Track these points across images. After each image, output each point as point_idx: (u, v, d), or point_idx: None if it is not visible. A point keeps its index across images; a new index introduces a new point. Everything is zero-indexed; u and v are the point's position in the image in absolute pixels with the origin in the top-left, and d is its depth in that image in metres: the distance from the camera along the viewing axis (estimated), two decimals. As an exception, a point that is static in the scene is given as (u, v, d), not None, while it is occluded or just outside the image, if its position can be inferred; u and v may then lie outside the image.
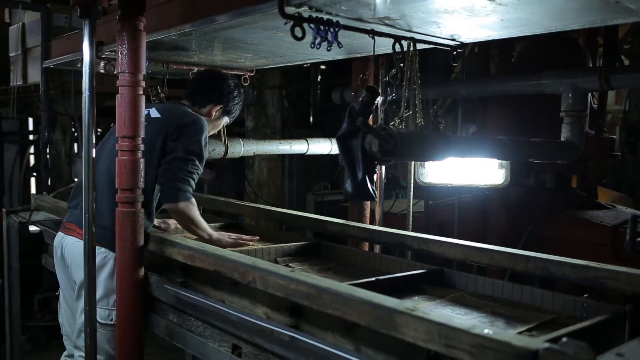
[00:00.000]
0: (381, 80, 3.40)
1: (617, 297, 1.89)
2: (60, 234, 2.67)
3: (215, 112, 2.75)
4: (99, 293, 2.46)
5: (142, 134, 2.22)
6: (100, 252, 2.44)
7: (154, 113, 2.61)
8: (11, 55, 6.03)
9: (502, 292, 2.11)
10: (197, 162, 2.51)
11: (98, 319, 2.44)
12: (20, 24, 5.79)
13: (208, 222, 3.21)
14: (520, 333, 1.68)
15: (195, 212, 2.55)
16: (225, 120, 2.87)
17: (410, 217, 3.50)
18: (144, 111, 2.23)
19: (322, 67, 7.56)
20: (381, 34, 2.17)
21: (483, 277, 2.21)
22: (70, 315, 2.72)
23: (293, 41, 1.85)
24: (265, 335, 1.90)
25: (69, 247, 2.59)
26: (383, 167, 3.63)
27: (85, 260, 2.21)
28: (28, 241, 5.00)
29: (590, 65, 4.06)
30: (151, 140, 2.42)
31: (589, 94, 3.22)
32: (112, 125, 2.81)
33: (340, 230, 2.81)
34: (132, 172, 2.20)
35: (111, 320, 2.46)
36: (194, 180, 2.51)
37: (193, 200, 2.52)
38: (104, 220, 2.44)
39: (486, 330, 1.27)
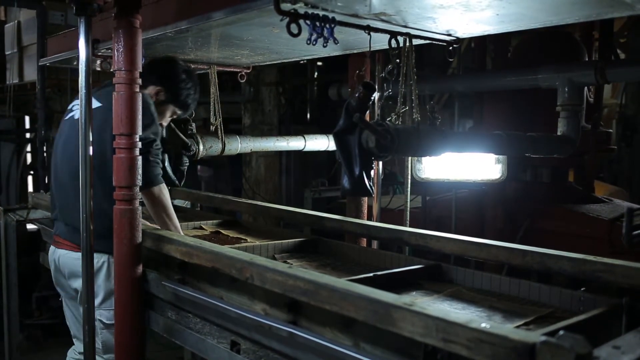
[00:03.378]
0: (377, 76, 3.40)
1: (614, 291, 1.90)
2: (52, 248, 2.69)
3: (156, 94, 2.67)
4: (100, 296, 2.49)
5: (139, 131, 2.22)
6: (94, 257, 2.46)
7: (94, 103, 2.50)
8: (7, 53, 6.01)
9: (499, 287, 2.11)
10: (157, 142, 2.46)
11: (104, 320, 2.48)
12: (16, 21, 5.77)
13: (205, 219, 3.22)
14: (517, 327, 1.68)
15: (169, 200, 2.54)
16: (173, 109, 2.76)
17: (408, 213, 3.50)
18: (140, 108, 2.23)
19: (319, 63, 7.56)
20: (377, 30, 2.17)
21: (480, 271, 2.21)
22: (76, 321, 2.76)
23: (289, 38, 1.85)
24: (264, 331, 1.91)
25: (62, 259, 2.61)
26: (380, 163, 3.63)
27: (84, 261, 2.21)
28: (25, 239, 4.98)
29: (586, 59, 4.06)
30: (99, 133, 2.37)
31: (585, 88, 3.22)
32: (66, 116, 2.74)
33: (338, 226, 2.82)
34: (130, 169, 2.20)
35: (109, 320, 2.47)
36: (159, 162, 2.48)
37: (164, 185, 2.51)
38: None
39: (483, 324, 1.28)
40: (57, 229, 2.66)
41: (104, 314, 2.51)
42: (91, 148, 2.17)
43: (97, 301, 2.49)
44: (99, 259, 2.47)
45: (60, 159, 2.63)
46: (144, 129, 2.34)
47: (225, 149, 3.47)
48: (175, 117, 2.88)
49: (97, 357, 2.53)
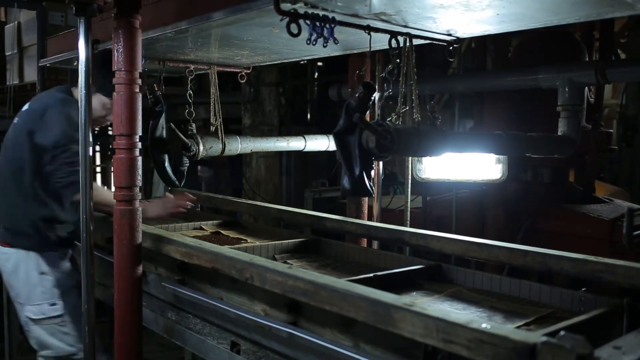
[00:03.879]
0: (378, 76, 3.39)
1: (615, 291, 1.90)
2: None
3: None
4: (24, 294, 2.51)
5: (139, 131, 2.22)
6: (11, 253, 2.55)
7: (25, 106, 2.69)
8: (7, 54, 6.00)
9: (500, 287, 2.11)
10: (72, 147, 2.42)
11: (32, 316, 2.49)
12: (16, 22, 5.77)
13: (205, 219, 3.22)
14: (518, 327, 1.68)
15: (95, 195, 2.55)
16: (101, 99, 2.68)
17: (408, 213, 3.50)
18: (140, 108, 2.23)
19: (319, 63, 7.56)
20: (377, 30, 2.16)
21: (481, 272, 2.21)
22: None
23: (289, 38, 1.85)
24: (264, 332, 1.91)
25: None
26: (380, 163, 3.63)
27: (84, 262, 2.21)
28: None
29: (587, 59, 4.06)
30: (17, 135, 2.52)
31: (586, 88, 3.21)
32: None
33: (338, 226, 2.82)
34: (130, 170, 2.19)
35: (43, 314, 2.48)
36: (73, 168, 2.41)
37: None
38: (5, 222, 2.57)
39: (484, 325, 1.28)
40: None
41: (30, 310, 2.53)
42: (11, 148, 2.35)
43: (20, 298, 2.53)
44: (18, 255, 2.53)
45: None
46: (55, 143, 2.42)
47: (225, 150, 3.46)
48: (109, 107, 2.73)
49: (38, 357, 2.56)
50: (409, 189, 3.51)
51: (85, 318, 2.25)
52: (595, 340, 1.21)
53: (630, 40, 6.89)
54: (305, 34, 1.87)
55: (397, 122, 2.30)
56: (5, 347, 4.04)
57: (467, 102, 5.26)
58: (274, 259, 2.50)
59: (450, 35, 2.37)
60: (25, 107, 2.70)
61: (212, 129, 3.42)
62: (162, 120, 3.06)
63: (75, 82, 2.65)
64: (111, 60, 2.64)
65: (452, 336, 1.32)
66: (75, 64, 3.31)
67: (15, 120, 2.71)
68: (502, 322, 1.78)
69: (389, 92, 2.35)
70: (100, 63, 2.54)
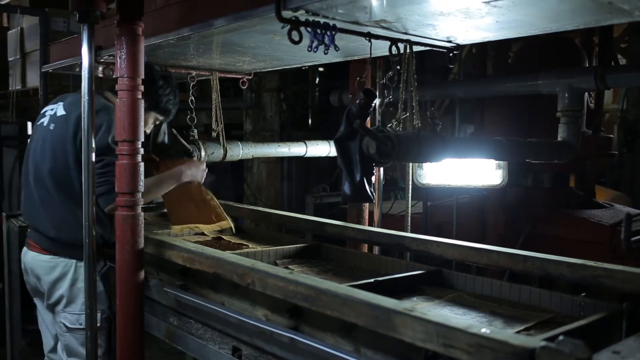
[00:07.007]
0: (378, 82, 3.42)
1: (615, 296, 1.91)
2: (24, 249, 2.75)
3: None
4: (64, 300, 2.53)
5: (141, 137, 2.23)
6: (58, 262, 2.53)
7: (60, 110, 2.60)
8: (10, 59, 6.03)
9: (500, 292, 2.12)
10: (105, 158, 2.39)
11: (67, 324, 2.52)
12: (19, 28, 5.80)
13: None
14: (518, 332, 1.69)
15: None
16: (154, 116, 2.78)
17: (409, 218, 3.51)
18: (142, 114, 2.24)
19: (320, 69, 7.58)
20: (377, 37, 2.18)
21: (481, 277, 2.22)
22: (41, 319, 2.81)
23: (290, 44, 1.86)
24: (265, 337, 1.91)
25: (30, 261, 2.66)
26: (381, 169, 3.64)
27: (86, 266, 2.22)
28: (28, 245, 4.98)
29: (587, 65, 4.07)
30: (62, 143, 2.46)
31: (586, 93, 3.23)
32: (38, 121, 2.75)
33: (339, 232, 2.82)
34: (132, 175, 2.21)
35: (80, 324, 2.50)
36: (107, 177, 2.39)
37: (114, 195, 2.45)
38: (51, 232, 2.51)
39: (483, 330, 1.29)
40: (29, 232, 2.72)
41: (67, 317, 2.54)
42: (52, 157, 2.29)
43: (60, 305, 2.54)
44: (66, 265, 2.52)
45: (29, 164, 2.68)
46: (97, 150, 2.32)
47: (227, 155, 3.48)
48: (157, 123, 2.88)
49: (64, 357, 2.58)
50: (410, 195, 3.52)
51: (87, 322, 2.26)
52: (594, 345, 1.22)
53: (630, 45, 6.90)
54: (306, 41, 1.88)
55: (398, 128, 2.32)
56: (8, 352, 4.05)
57: (468, 108, 5.28)
58: (275, 264, 2.51)
59: (450, 42, 2.39)
60: (61, 111, 2.59)
61: (214, 134, 3.43)
62: (164, 126, 3.07)
63: (109, 87, 2.65)
64: (165, 78, 2.77)
65: (452, 341, 1.33)
66: (77, 70, 3.33)
67: (51, 127, 2.61)
68: (502, 327, 1.78)
69: (390, 98, 2.36)
70: (151, 80, 2.61)
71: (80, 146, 2.29)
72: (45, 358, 2.83)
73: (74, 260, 2.50)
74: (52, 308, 2.63)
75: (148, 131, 2.86)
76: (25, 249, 2.73)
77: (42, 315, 2.79)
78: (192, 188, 2.86)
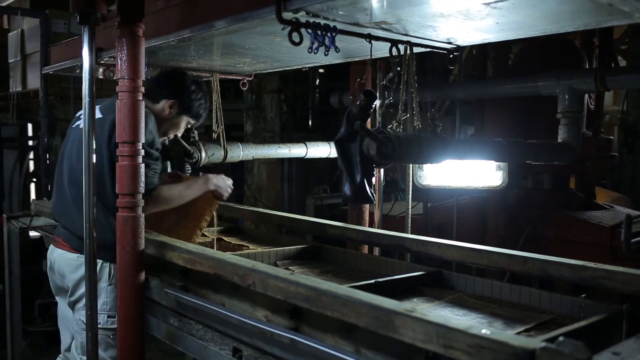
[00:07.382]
0: (379, 83, 3.42)
1: (615, 297, 1.91)
2: (51, 247, 2.75)
3: (170, 107, 2.70)
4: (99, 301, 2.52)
5: (142, 139, 2.24)
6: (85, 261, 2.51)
7: (97, 113, 2.57)
8: (10, 61, 6.04)
9: (500, 293, 2.12)
10: (148, 153, 2.44)
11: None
12: (19, 30, 5.81)
13: (208, 226, 3.22)
14: (518, 333, 1.69)
15: (168, 192, 2.59)
16: (187, 120, 2.81)
17: (409, 220, 3.51)
18: (142, 116, 2.25)
19: (321, 70, 7.58)
20: (378, 38, 2.18)
21: (481, 278, 2.22)
22: (63, 316, 2.81)
23: (291, 46, 1.86)
24: (266, 337, 1.91)
25: (58, 258, 2.66)
26: (381, 170, 3.64)
27: (87, 268, 2.23)
28: (28, 246, 5.00)
29: (587, 67, 4.08)
30: (98, 145, 2.41)
31: (586, 95, 3.23)
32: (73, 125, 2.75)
33: (340, 233, 2.83)
34: (132, 177, 2.21)
35: (99, 324, 2.50)
36: (154, 170, 2.48)
37: (159, 189, 2.52)
38: (81, 232, 2.49)
39: (483, 331, 1.29)
40: (58, 231, 2.72)
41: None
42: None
43: (81, 303, 2.55)
44: (101, 266, 2.52)
45: (64, 165, 2.67)
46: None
47: (227, 156, 3.48)
48: (189, 126, 2.94)
49: (76, 356, 2.58)
50: (410, 196, 3.52)
51: (88, 323, 2.26)
52: (594, 346, 1.22)
53: (630, 47, 6.91)
54: (306, 43, 1.89)
55: (398, 130, 2.32)
56: (8, 353, 4.05)
57: (468, 109, 5.28)
58: (276, 265, 2.52)
59: (450, 43, 2.39)
60: (97, 114, 2.52)
61: (214, 136, 3.44)
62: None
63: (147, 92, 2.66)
64: (200, 84, 2.81)
65: (452, 342, 1.33)
66: (78, 71, 3.34)
67: (82, 125, 2.51)
68: (502, 328, 1.79)
69: (390, 99, 2.37)
70: (183, 85, 2.71)
71: (114, 149, 2.31)
72: (61, 356, 2.83)
73: (100, 261, 2.50)
74: (73, 305, 2.64)
75: (179, 135, 2.93)
76: (52, 246, 2.73)
77: (63, 314, 2.80)
78: (203, 199, 2.82)
